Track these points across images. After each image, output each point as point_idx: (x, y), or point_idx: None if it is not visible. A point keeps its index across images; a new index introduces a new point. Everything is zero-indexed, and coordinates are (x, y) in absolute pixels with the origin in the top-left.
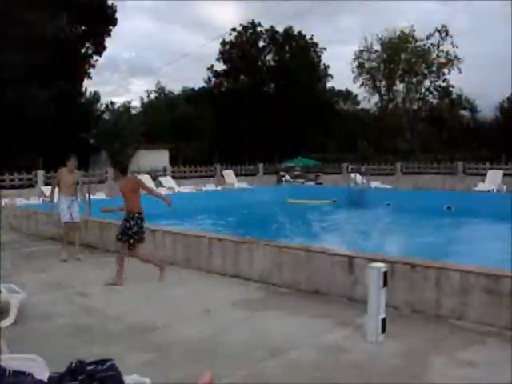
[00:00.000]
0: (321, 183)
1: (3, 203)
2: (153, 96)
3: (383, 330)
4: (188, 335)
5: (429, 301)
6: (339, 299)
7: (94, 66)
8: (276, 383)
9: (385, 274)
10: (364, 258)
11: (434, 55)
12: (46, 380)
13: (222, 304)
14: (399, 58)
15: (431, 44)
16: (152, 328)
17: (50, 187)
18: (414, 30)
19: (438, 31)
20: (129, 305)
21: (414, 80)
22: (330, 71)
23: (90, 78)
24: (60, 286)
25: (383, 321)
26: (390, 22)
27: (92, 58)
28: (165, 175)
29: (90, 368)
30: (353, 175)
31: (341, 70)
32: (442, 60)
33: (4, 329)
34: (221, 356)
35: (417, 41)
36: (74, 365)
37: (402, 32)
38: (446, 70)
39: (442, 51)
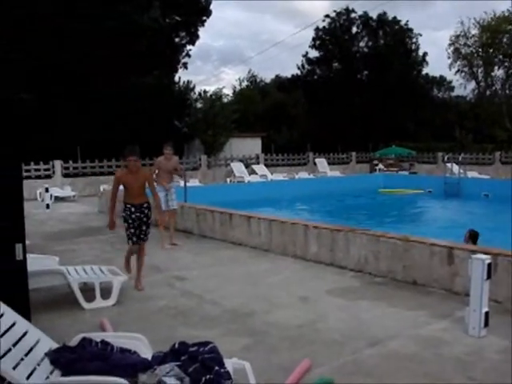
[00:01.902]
0: (415, 173)
1: (102, 189)
2: (244, 84)
3: (486, 323)
4: (285, 321)
5: None
6: (437, 291)
7: (188, 55)
8: (374, 373)
9: (489, 265)
10: (464, 249)
11: None
12: (149, 358)
13: (318, 292)
14: (500, 41)
15: None
16: (248, 313)
17: None
18: None
19: None
20: (225, 290)
21: None
22: (423, 57)
23: (186, 67)
24: (158, 270)
25: (486, 314)
26: (487, 5)
27: (185, 47)
28: (258, 163)
29: (192, 349)
30: (449, 165)
31: (433, 57)
32: None
33: (107, 309)
34: (318, 343)
35: None
36: (176, 346)
37: (504, 13)
38: None
39: None
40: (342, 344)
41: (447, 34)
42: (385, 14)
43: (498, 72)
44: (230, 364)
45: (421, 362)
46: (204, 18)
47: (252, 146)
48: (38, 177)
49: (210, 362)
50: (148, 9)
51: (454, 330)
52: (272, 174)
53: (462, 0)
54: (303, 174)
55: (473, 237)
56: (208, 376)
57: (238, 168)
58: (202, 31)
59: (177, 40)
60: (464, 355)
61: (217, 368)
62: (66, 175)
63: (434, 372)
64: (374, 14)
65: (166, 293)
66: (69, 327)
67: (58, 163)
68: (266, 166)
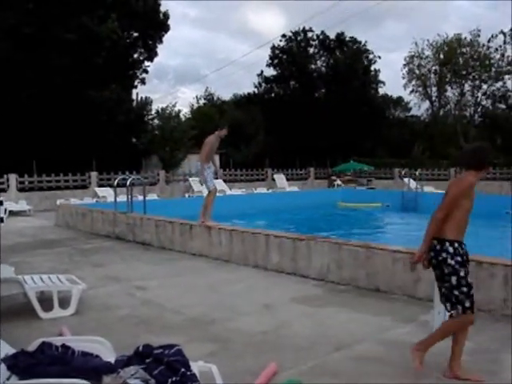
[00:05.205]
0: (373, 188)
1: (58, 202)
2: (202, 102)
3: None
4: (249, 328)
5: (496, 300)
6: (400, 297)
7: (146, 72)
8: (342, 375)
9: None
10: None
11: (493, 60)
12: (113, 362)
13: (281, 300)
14: (455, 63)
15: (495, 49)
16: (211, 321)
17: (103, 188)
18: (479, 35)
19: (503, 34)
20: (186, 299)
21: (468, 85)
22: (379, 78)
23: (144, 83)
24: (117, 280)
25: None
26: (437, 28)
27: (143, 63)
28: (216, 178)
29: (157, 352)
30: (406, 180)
31: (388, 77)
32: (504, 66)
33: (66, 318)
34: (284, 349)
35: (482, 45)
36: (141, 348)
37: (457, 35)
38: (506, 76)
39: (503, 56)
40: (309, 349)
41: (399, 55)
42: (343, 33)
43: (451, 92)
44: (195, 367)
45: (388, 363)
46: (162, 32)
47: None
48: None
49: (176, 364)
50: (105, 20)
51: (418, 334)
52: (230, 189)
53: (411, 23)
54: (262, 190)
55: None
56: (174, 378)
57: (196, 183)
58: (158, 49)
59: (135, 56)
60: (429, 356)
61: (183, 370)
62: (21, 189)
63: (401, 372)
64: (331, 34)
65: (127, 302)
66: (26, 337)
67: (12, 177)
68: (225, 181)
